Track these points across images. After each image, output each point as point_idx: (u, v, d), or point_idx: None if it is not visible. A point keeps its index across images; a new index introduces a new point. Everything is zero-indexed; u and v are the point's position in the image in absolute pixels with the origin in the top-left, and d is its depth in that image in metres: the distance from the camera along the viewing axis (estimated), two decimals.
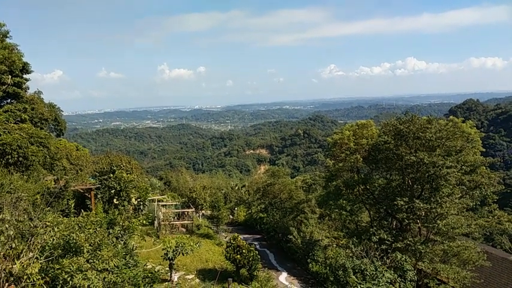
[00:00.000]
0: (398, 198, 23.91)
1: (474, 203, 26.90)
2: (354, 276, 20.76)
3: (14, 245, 10.43)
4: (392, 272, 20.80)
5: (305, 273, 28.31)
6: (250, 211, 50.72)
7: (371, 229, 25.83)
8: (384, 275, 20.33)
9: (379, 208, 28.08)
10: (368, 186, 29.17)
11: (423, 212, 23.92)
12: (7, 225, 10.40)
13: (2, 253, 10.31)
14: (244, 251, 23.66)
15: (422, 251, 22.75)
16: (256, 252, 24.56)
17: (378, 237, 24.12)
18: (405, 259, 21.58)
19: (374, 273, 20.56)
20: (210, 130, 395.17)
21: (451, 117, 32.49)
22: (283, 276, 27.46)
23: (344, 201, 30.47)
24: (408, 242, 23.46)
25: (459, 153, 25.86)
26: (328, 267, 24.65)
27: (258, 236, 41.82)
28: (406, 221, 24.72)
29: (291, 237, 30.59)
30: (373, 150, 28.15)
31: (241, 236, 27.78)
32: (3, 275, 10.36)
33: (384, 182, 29.00)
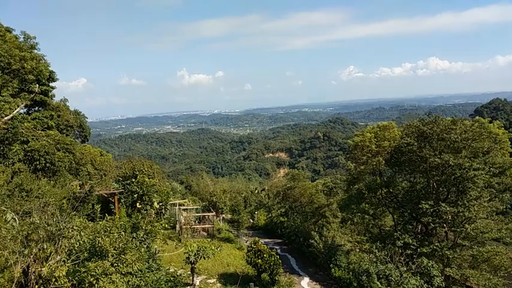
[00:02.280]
0: (423, 202, 23.33)
1: (504, 207, 25.96)
2: (378, 282, 20.36)
3: (45, 246, 10.76)
4: (419, 278, 20.27)
5: (327, 279, 27.88)
6: (270, 215, 50.52)
7: (395, 233, 25.27)
8: (409, 281, 19.85)
9: (403, 212, 27.47)
10: (391, 190, 28.60)
11: (450, 216, 23.26)
12: (37, 227, 10.77)
13: (31, 255, 10.63)
14: (265, 255, 23.53)
15: (450, 256, 22.07)
16: (278, 256, 24.37)
17: (402, 241, 23.56)
18: (432, 264, 21.00)
19: (399, 279, 20.10)
20: (229, 134, 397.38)
21: (477, 117, 31.58)
22: (305, 282, 27.13)
23: (366, 205, 29.97)
24: (434, 247, 22.82)
25: (487, 155, 25.05)
26: (351, 272, 24.20)
27: (279, 241, 41.54)
28: (432, 225, 24.07)
29: (313, 241, 30.25)
30: (396, 153, 27.60)
31: (261, 241, 27.66)
32: (33, 277, 10.67)
33: (407, 185, 28.38)
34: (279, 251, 34.54)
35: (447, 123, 24.96)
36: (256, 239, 26.40)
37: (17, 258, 10.15)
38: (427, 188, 25.78)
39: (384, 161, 28.85)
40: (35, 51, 30.90)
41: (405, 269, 20.88)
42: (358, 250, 31.09)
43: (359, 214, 30.82)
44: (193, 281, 22.64)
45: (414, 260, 21.84)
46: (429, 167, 24.23)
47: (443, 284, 20.76)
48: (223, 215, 47.76)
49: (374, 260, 22.10)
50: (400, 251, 22.50)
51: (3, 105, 24.75)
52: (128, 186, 32.71)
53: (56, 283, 10.74)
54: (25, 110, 34.58)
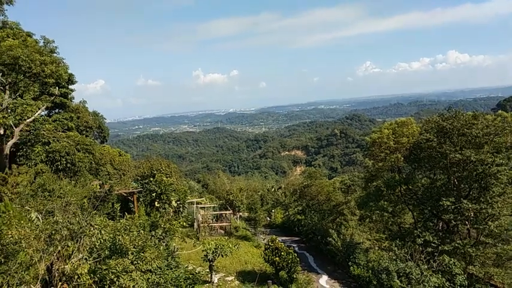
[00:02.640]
0: (444, 199, 22.86)
1: None
2: (398, 280, 20.05)
3: (69, 244, 11.07)
4: (440, 276, 19.87)
5: (346, 277, 27.63)
6: (287, 213, 50.41)
7: (415, 231, 24.83)
8: (430, 279, 19.47)
9: (423, 209, 26.96)
10: (410, 186, 28.11)
11: (472, 213, 22.70)
12: (61, 226, 11.08)
13: (55, 253, 10.93)
14: (283, 253, 23.51)
15: (473, 254, 21.56)
16: (295, 254, 24.31)
17: (422, 239, 23.14)
18: (454, 262, 20.55)
19: (420, 277, 19.74)
20: (244, 133, 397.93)
21: (500, 111, 30.74)
22: (324, 279, 26.95)
23: (385, 202, 29.56)
24: (456, 245, 22.34)
25: (510, 150, 24.31)
26: (370, 271, 23.92)
27: (297, 239, 41.40)
28: (454, 222, 23.56)
29: (331, 239, 30.02)
30: (415, 149, 27.11)
31: (279, 238, 27.61)
32: (56, 274, 10.97)
33: (427, 181, 27.84)
34: (296, 249, 34.42)
35: (468, 118, 24.35)
36: (274, 237, 26.38)
37: (41, 256, 10.45)
38: (448, 185, 25.22)
39: (402, 158, 28.35)
40: (54, 54, 31.67)
41: (426, 267, 20.49)
42: (377, 248, 30.70)
43: (378, 211, 30.42)
44: (211, 278, 22.82)
45: (435, 257, 21.43)
46: (450, 163, 23.69)
47: (466, 283, 20.29)
48: (240, 213, 47.94)
49: (394, 257, 21.76)
50: (421, 248, 22.08)
51: (25, 107, 25.46)
52: (146, 185, 33.20)
53: (79, 280, 11.01)
54: (46, 112, 35.55)
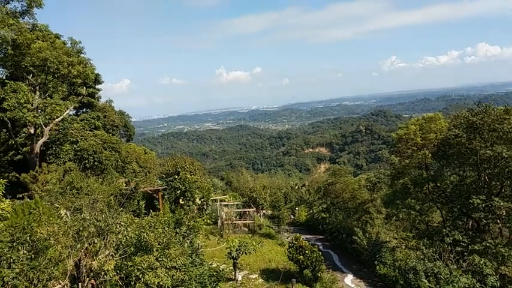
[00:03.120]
0: (474, 196, 22.07)
1: None
2: (425, 280, 19.52)
3: (96, 240, 11.36)
4: (470, 276, 19.19)
5: (372, 276, 27.15)
6: (311, 211, 50.03)
7: (444, 230, 24.10)
8: (459, 279, 18.84)
9: (452, 207, 26.11)
10: (439, 184, 27.30)
11: (504, 211, 21.84)
12: (88, 223, 11.39)
13: (82, 249, 11.24)
14: (307, 251, 23.34)
15: (505, 254, 20.73)
16: (320, 253, 24.08)
17: (451, 238, 22.46)
18: (485, 263, 19.80)
19: (448, 277, 19.14)
20: (267, 130, 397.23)
21: None
22: (349, 279, 26.58)
23: (412, 200, 28.85)
24: (488, 244, 21.54)
25: None
26: (397, 270, 23.39)
27: (321, 237, 41.03)
28: (484, 221, 22.71)
29: (356, 238, 29.56)
30: (443, 145, 26.27)
31: (303, 237, 27.46)
32: (84, 270, 11.28)
33: (456, 178, 26.97)
34: (321, 247, 34.11)
35: (499, 113, 23.37)
36: (298, 235, 26.24)
37: (69, 252, 10.77)
38: (478, 182, 24.33)
39: (430, 154, 27.56)
40: (81, 55, 32.57)
41: (455, 266, 19.85)
42: (404, 247, 29.99)
43: (404, 210, 29.73)
44: (235, 276, 22.92)
45: (465, 257, 20.73)
46: (480, 159, 22.82)
47: (498, 284, 19.50)
48: (264, 211, 47.93)
49: (421, 257, 21.20)
50: (450, 248, 21.42)
51: (55, 107, 26.34)
52: (171, 182, 33.75)
53: (105, 276, 11.28)
54: (74, 111, 36.68)
